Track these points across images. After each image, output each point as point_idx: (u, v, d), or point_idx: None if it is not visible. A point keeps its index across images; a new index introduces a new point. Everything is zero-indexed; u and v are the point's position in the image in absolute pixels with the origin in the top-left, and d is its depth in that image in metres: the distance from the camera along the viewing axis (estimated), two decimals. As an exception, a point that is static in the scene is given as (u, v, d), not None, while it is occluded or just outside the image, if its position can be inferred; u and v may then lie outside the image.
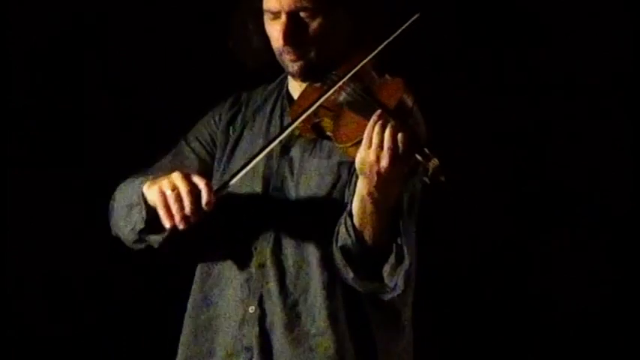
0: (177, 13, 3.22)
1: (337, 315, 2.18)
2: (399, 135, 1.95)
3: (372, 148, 1.97)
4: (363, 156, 1.99)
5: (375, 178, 1.98)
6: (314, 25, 2.19)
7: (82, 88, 3.23)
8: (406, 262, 2.07)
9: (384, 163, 1.96)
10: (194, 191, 2.06)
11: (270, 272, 2.21)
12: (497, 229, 3.22)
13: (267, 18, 2.22)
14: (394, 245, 2.07)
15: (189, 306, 2.33)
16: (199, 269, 2.31)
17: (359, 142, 2.02)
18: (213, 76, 3.11)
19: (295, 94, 2.29)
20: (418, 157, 1.95)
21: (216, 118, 2.37)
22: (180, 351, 2.33)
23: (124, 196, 2.26)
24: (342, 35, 2.22)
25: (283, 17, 2.18)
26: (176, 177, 2.08)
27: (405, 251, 2.06)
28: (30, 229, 3.19)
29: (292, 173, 2.23)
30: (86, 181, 3.16)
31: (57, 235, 3.18)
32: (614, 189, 3.23)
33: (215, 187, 2.10)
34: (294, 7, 2.17)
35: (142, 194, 2.17)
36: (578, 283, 3.23)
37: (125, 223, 2.25)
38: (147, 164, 2.41)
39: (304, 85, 2.25)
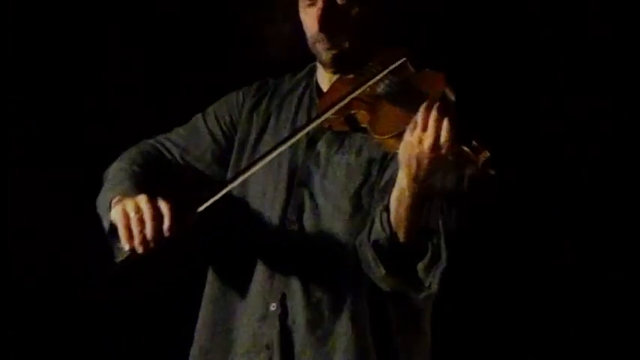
0: (178, 11, 3.22)
1: (361, 316, 2.15)
2: (445, 119, 1.91)
3: (415, 131, 1.93)
4: (406, 139, 1.95)
5: (415, 165, 1.94)
6: (350, 14, 2.16)
7: (82, 88, 3.23)
8: (443, 261, 2.03)
9: (426, 145, 1.91)
10: (157, 217, 2.03)
11: (294, 270, 2.17)
12: (497, 229, 3.22)
13: (302, 4, 2.20)
14: (430, 244, 2.03)
15: (207, 295, 2.29)
16: (223, 255, 2.27)
17: (399, 134, 1.98)
18: (217, 76, 3.11)
19: (324, 86, 2.26)
20: (465, 148, 1.90)
21: (240, 101, 2.33)
22: (195, 341, 2.30)
23: (105, 185, 2.25)
24: (374, 27, 2.20)
25: (320, 3, 2.15)
26: (142, 200, 2.06)
27: (442, 250, 2.02)
28: (30, 229, 3.18)
29: (318, 168, 2.20)
30: (86, 181, 3.15)
31: (57, 235, 3.18)
32: (614, 188, 3.23)
33: (199, 206, 2.07)
34: None
35: (109, 207, 2.15)
36: (580, 283, 3.23)
37: (101, 216, 2.23)
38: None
39: (334, 77, 2.22)
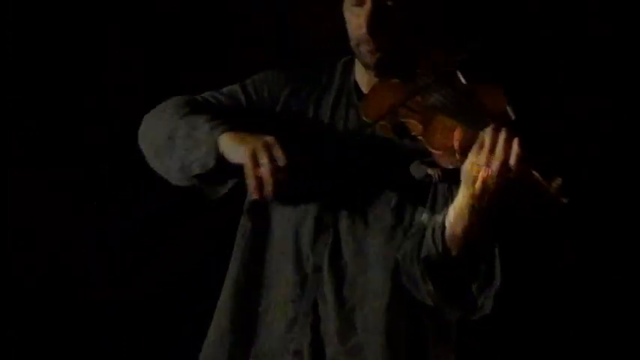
0: (178, 11, 3.22)
1: (395, 329, 2.08)
2: (515, 142, 1.84)
3: (482, 152, 1.86)
4: (473, 160, 1.87)
5: (480, 187, 1.87)
6: (398, 16, 2.05)
7: (82, 88, 3.23)
8: (496, 282, 1.97)
9: (494, 168, 1.84)
10: (288, 165, 1.93)
11: (327, 277, 2.10)
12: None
13: (348, 2, 2.09)
14: (482, 263, 1.96)
15: (234, 276, 2.18)
16: (251, 245, 2.17)
17: (458, 150, 1.91)
18: (217, 76, 3.10)
19: (364, 87, 2.16)
20: (536, 174, 1.82)
21: (281, 81, 2.21)
22: (213, 331, 2.20)
23: (175, 124, 2.10)
24: (422, 31, 2.11)
25: (368, 5, 2.04)
26: (273, 144, 1.95)
27: (497, 270, 1.96)
28: (30, 229, 3.18)
29: (359, 172, 2.10)
30: (86, 181, 3.16)
31: (57, 235, 3.18)
32: (614, 188, 3.23)
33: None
34: None
35: (216, 142, 2.01)
36: (580, 283, 3.23)
37: (174, 159, 2.09)
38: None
39: (374, 78, 2.12)
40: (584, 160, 3.21)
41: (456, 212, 1.93)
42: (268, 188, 1.94)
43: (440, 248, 1.96)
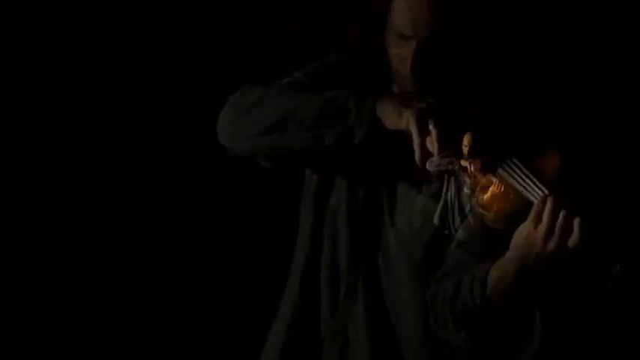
0: (178, 11, 3.22)
1: None
2: (577, 223, 1.72)
3: (540, 227, 1.75)
4: (528, 232, 1.77)
5: (532, 259, 1.77)
6: (443, 54, 1.97)
7: (82, 88, 3.23)
8: (534, 345, 1.91)
9: (551, 247, 1.74)
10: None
11: (359, 302, 2.05)
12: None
13: (393, 35, 2.00)
14: (522, 321, 1.89)
15: (301, 264, 2.12)
16: (309, 244, 2.11)
17: (507, 215, 1.81)
18: (217, 76, 3.11)
19: None
20: (598, 259, 1.71)
21: (337, 74, 2.12)
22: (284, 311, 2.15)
23: (297, 98, 1.99)
24: (460, 70, 2.02)
25: (414, 43, 1.96)
26: (439, 107, 1.85)
27: (537, 331, 1.90)
28: (30, 229, 3.18)
29: (392, 202, 2.05)
30: (86, 181, 3.16)
31: (57, 235, 3.18)
32: (614, 188, 3.22)
33: None
34: (429, 35, 1.95)
35: (373, 108, 1.90)
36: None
37: (301, 132, 1.97)
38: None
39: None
40: (584, 160, 3.20)
41: (501, 274, 1.84)
42: (436, 164, 1.83)
43: (478, 303, 1.87)
